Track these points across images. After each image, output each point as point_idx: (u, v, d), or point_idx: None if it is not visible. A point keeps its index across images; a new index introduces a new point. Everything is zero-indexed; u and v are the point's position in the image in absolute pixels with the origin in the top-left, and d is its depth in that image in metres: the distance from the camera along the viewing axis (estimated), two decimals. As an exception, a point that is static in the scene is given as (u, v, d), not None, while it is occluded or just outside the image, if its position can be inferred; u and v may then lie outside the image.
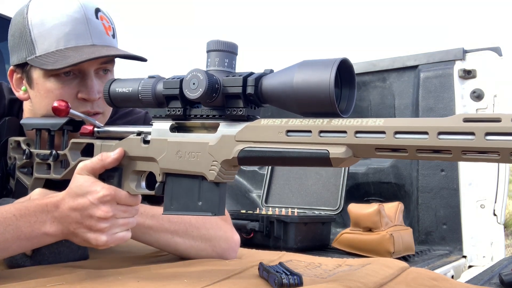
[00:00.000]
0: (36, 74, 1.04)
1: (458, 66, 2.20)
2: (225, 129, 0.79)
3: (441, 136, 0.61)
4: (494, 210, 2.13)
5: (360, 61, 2.53)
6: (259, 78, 0.76)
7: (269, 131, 0.74)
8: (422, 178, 2.27)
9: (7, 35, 1.09)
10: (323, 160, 0.69)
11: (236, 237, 1.16)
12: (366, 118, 0.68)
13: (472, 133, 0.59)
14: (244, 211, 2.04)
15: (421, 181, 2.27)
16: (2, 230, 0.84)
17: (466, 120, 0.60)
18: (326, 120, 0.70)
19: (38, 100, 1.06)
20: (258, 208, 2.46)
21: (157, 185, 0.85)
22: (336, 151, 0.68)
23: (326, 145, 0.69)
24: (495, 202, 2.12)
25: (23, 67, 1.06)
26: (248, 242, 1.82)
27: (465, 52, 2.21)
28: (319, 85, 0.68)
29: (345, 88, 0.73)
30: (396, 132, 0.64)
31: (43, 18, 1.02)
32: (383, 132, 0.65)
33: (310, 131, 0.70)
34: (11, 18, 1.08)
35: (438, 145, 0.61)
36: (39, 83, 1.04)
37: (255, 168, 2.88)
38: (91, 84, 1.03)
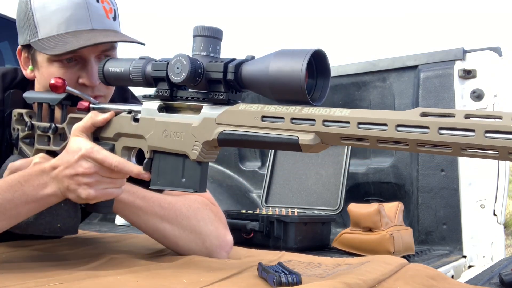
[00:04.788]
0: (40, 58, 1.07)
1: (458, 66, 2.20)
2: (207, 111, 0.83)
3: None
4: (494, 210, 2.12)
5: (360, 61, 2.53)
6: (239, 64, 0.79)
7: (246, 115, 0.77)
8: (422, 178, 2.27)
9: (7, 35, 1.10)
10: (293, 146, 0.73)
11: (229, 237, 1.15)
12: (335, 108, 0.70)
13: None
14: (244, 211, 2.04)
15: (421, 181, 2.27)
16: (11, 196, 0.90)
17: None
18: (298, 108, 0.73)
19: (42, 81, 1.10)
20: (258, 208, 2.46)
21: (145, 161, 0.90)
22: (305, 138, 0.72)
23: (297, 131, 0.73)
24: (495, 202, 2.12)
25: (29, 48, 1.09)
26: (248, 242, 1.82)
27: (465, 52, 2.21)
28: (292, 75, 0.71)
29: (320, 78, 0.76)
30: (360, 123, 0.67)
31: (45, 1, 1.04)
32: (348, 122, 0.68)
33: (283, 118, 0.74)
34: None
35: (397, 137, 0.64)
36: (43, 67, 1.07)
37: (255, 168, 2.88)
38: (91, 70, 1.06)
